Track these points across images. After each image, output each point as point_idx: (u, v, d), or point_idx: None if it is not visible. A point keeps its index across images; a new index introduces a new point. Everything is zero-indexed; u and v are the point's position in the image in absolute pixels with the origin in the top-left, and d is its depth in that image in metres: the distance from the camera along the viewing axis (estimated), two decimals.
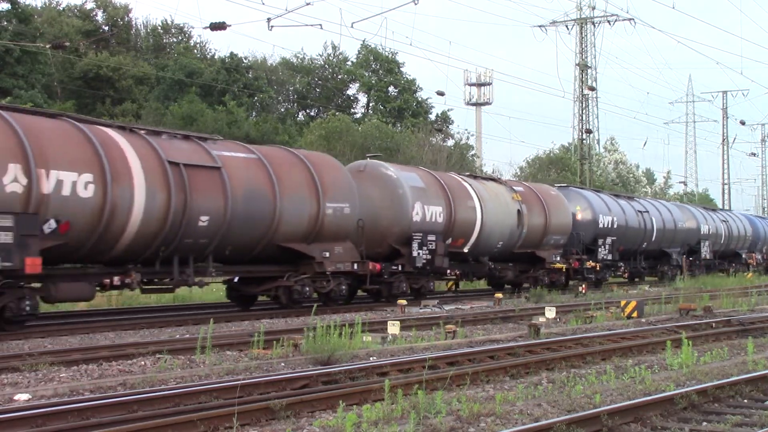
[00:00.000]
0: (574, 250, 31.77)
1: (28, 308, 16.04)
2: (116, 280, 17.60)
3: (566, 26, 53.70)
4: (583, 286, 30.63)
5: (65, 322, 19.12)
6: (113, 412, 8.92)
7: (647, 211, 37.52)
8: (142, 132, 18.77)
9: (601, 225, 33.25)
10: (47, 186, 15.77)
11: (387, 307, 23.24)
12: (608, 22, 52.92)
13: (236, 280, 21.64)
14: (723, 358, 13.56)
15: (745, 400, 10.09)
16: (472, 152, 66.82)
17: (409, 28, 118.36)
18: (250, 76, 59.99)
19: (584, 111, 52.91)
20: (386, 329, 16.51)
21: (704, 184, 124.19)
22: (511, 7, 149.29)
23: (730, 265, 46.35)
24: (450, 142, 62.86)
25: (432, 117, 68.08)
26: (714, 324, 18.22)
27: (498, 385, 11.08)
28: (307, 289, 21.46)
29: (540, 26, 54.28)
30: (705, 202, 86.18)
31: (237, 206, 19.21)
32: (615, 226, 34.18)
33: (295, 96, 66.96)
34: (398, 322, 16.68)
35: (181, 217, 18.00)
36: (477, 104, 78.66)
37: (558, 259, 30.66)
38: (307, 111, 67.28)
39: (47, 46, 40.67)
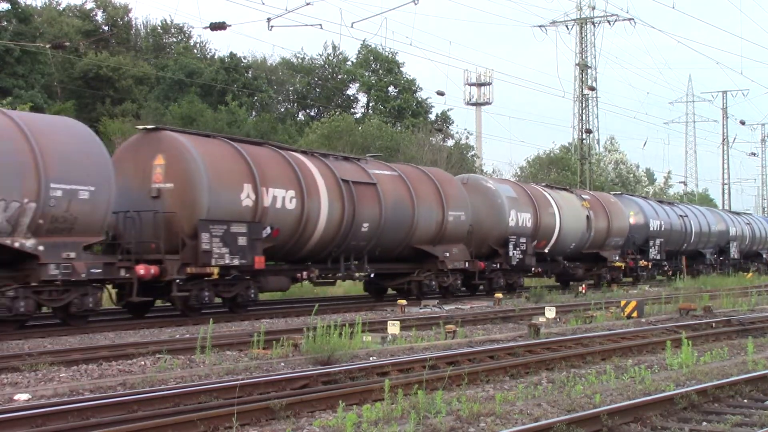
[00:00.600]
0: (629, 251, 35.94)
1: (252, 295, 20.35)
2: (304, 274, 21.83)
3: (566, 26, 53.68)
4: (583, 286, 30.75)
5: (65, 322, 19.12)
6: (113, 412, 8.92)
7: (687, 216, 41.95)
8: (317, 155, 23.04)
9: (651, 228, 37.56)
10: (267, 200, 20.04)
11: (387, 306, 23.30)
12: (608, 22, 52.90)
13: (372, 275, 24.72)
14: (723, 358, 13.56)
15: (745, 400, 10.09)
16: (472, 152, 66.81)
17: (409, 28, 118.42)
18: (249, 75, 59.99)
19: (584, 111, 52.90)
20: (386, 329, 16.52)
21: (704, 184, 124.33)
22: (511, 7, 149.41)
23: (752, 263, 50.42)
24: (450, 142, 62.87)
25: (432, 117, 68.06)
26: (714, 324, 18.22)
27: (498, 385, 11.09)
28: (434, 283, 25.65)
29: (540, 26, 54.26)
30: (705, 202, 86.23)
31: (388, 215, 23.58)
32: (662, 229, 38.54)
33: (295, 96, 66.95)
34: (398, 322, 16.69)
35: (350, 224, 22.33)
36: (477, 104, 78.66)
37: (617, 258, 34.96)
38: (307, 111, 67.27)
39: (47, 46, 40.66)
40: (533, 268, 29.92)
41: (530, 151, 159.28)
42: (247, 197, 19.64)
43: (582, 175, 53.59)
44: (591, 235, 33.17)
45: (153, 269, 17.91)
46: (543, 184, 34.75)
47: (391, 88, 66.88)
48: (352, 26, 52.46)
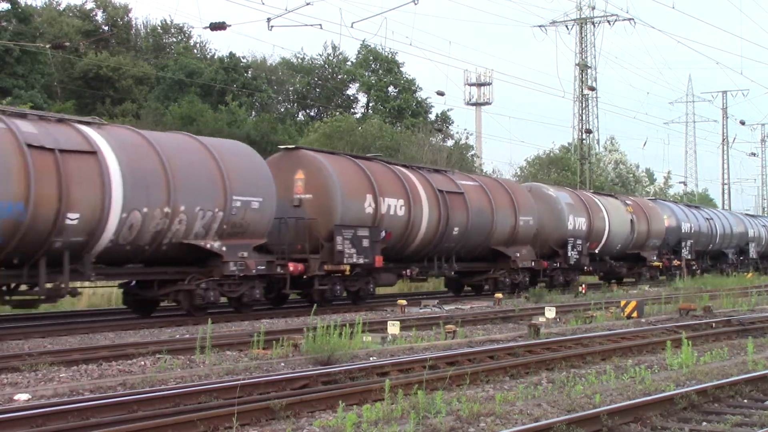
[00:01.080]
0: (665, 251, 39.46)
1: (371, 289, 24.14)
2: (407, 272, 25.43)
3: (566, 26, 53.67)
4: (583, 286, 30.83)
5: (65, 322, 19.14)
6: (113, 412, 8.92)
7: (712, 219, 45.67)
8: (414, 167, 26.91)
9: (683, 230, 41.31)
10: (383, 208, 23.58)
11: (387, 306, 23.32)
12: (608, 22, 52.89)
13: (454, 273, 27.83)
14: (723, 358, 13.56)
15: (745, 400, 10.10)
16: (472, 152, 66.82)
17: (409, 28, 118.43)
18: (248, 75, 59.97)
19: (584, 111, 52.90)
20: (386, 329, 16.52)
21: (704, 184, 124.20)
22: (511, 7, 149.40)
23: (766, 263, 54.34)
24: (450, 142, 62.88)
25: (432, 117, 68.05)
26: (714, 324, 18.22)
27: (498, 385, 11.09)
28: (507, 280, 29.16)
29: (540, 26, 54.26)
30: (705, 202, 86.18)
31: (473, 220, 27.16)
32: (692, 231, 42.37)
33: (295, 96, 66.94)
34: (398, 322, 16.69)
35: (444, 228, 25.95)
36: (477, 104, 78.61)
37: (655, 258, 38.58)
38: (307, 111, 67.26)
39: (47, 46, 40.64)
40: (586, 267, 33.23)
41: (530, 151, 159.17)
42: (369, 206, 23.32)
43: (582, 175, 53.59)
44: (634, 237, 36.81)
45: (300, 266, 21.55)
46: (591, 191, 39.74)
47: (391, 88, 66.87)
48: (352, 26, 52.36)
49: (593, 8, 53.50)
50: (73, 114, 40.04)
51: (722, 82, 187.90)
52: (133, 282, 20.07)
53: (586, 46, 53.04)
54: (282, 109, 65.91)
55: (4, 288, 17.27)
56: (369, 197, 23.40)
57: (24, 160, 15.83)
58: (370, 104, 67.39)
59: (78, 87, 50.82)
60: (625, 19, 52.02)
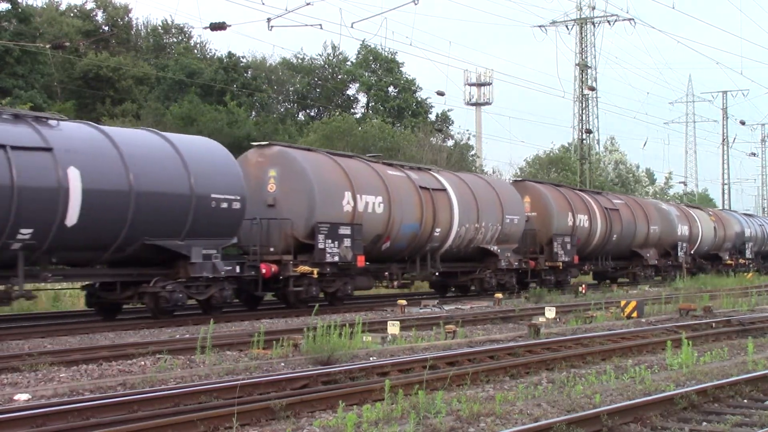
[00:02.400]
0: (732, 252, 48.82)
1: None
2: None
3: (566, 26, 53.67)
4: (583, 286, 30.82)
5: (65, 322, 19.13)
6: (113, 412, 8.92)
7: (764, 225, 55.93)
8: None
9: (746, 235, 50.57)
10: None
11: (387, 306, 23.31)
12: (608, 22, 52.89)
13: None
14: (723, 358, 13.56)
15: (745, 400, 10.09)
16: (472, 152, 66.81)
17: (409, 28, 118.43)
18: (248, 75, 59.95)
19: (584, 111, 52.90)
20: (386, 329, 16.51)
21: (704, 184, 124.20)
22: (511, 7, 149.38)
23: None
24: (450, 142, 62.87)
25: (432, 117, 68.04)
26: (714, 324, 18.22)
27: (498, 385, 11.08)
28: (642, 274, 37.82)
29: (540, 26, 54.26)
30: (705, 202, 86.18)
31: (616, 231, 35.96)
32: (752, 235, 51.98)
33: (295, 96, 66.91)
34: (398, 322, 16.69)
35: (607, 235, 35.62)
36: (477, 104, 78.55)
37: (728, 257, 47.94)
38: (307, 111, 67.25)
39: (47, 46, 40.61)
40: (686, 264, 41.87)
41: (530, 151, 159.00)
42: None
43: (582, 175, 53.58)
44: (716, 240, 46.75)
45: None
46: (683, 203, 52.05)
47: (390, 88, 66.86)
48: (352, 26, 52.27)
49: (593, 8, 53.54)
50: (74, 114, 40.04)
51: (722, 82, 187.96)
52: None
53: (586, 46, 53.04)
54: (282, 109, 65.89)
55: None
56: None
57: None
58: (370, 104, 67.38)
59: (78, 87, 50.80)
60: (625, 19, 52.07)
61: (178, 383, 10.91)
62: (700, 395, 9.73)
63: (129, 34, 61.23)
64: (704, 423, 8.92)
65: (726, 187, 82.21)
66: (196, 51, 62.31)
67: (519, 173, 67.13)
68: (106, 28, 58.60)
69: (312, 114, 66.65)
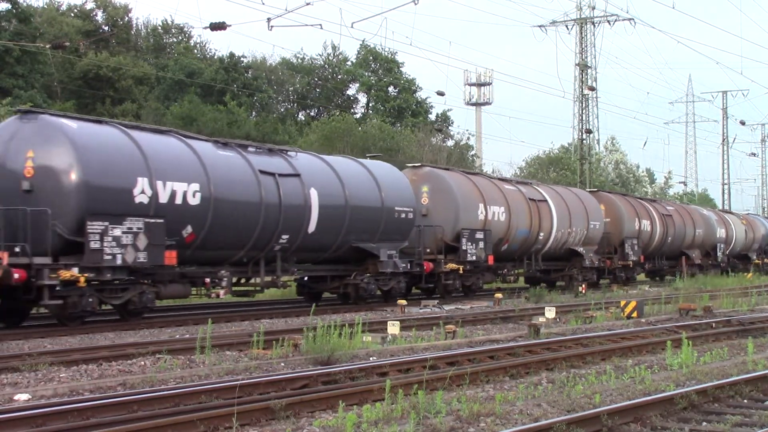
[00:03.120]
0: (759, 252, 54.60)
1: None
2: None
3: (566, 26, 53.64)
4: (583, 286, 30.88)
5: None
6: (113, 412, 8.92)
7: None
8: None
9: None
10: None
11: (387, 307, 23.31)
12: (608, 22, 52.88)
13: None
14: (723, 358, 13.56)
15: (745, 400, 10.09)
16: (472, 152, 66.84)
17: (409, 28, 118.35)
18: (248, 75, 59.97)
19: (584, 111, 52.89)
20: (386, 329, 16.50)
21: (704, 184, 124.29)
22: (511, 7, 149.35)
23: None
24: (450, 142, 62.90)
25: (432, 117, 68.07)
26: (714, 324, 18.21)
27: (498, 385, 11.08)
28: (688, 272, 39.02)
29: (540, 26, 54.22)
30: (705, 202, 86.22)
31: (671, 234, 41.11)
32: None
33: (295, 96, 66.93)
34: (398, 322, 16.68)
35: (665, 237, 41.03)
36: (477, 104, 78.60)
37: (755, 257, 53.77)
38: (307, 111, 67.26)
39: (47, 46, 40.63)
40: (723, 263, 47.39)
41: (530, 151, 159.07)
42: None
43: (582, 175, 53.60)
44: (746, 242, 51.79)
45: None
46: (716, 208, 60.05)
47: (390, 88, 66.87)
48: (352, 26, 52.48)
49: (593, 8, 53.52)
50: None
51: (722, 82, 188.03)
52: None
53: (586, 46, 53.02)
54: (282, 109, 65.91)
55: None
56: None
57: None
58: (370, 104, 67.39)
59: (78, 87, 50.81)
60: (625, 19, 52.04)
61: (178, 383, 10.91)
62: (700, 395, 9.73)
63: (129, 34, 61.25)
64: (704, 423, 8.92)
65: (726, 187, 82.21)
66: (196, 51, 62.34)
67: (519, 173, 67.17)
68: (106, 28, 58.62)
69: (312, 114, 66.66)
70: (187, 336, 16.10)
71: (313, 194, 21.76)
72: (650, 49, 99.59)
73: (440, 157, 52.74)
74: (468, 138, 67.43)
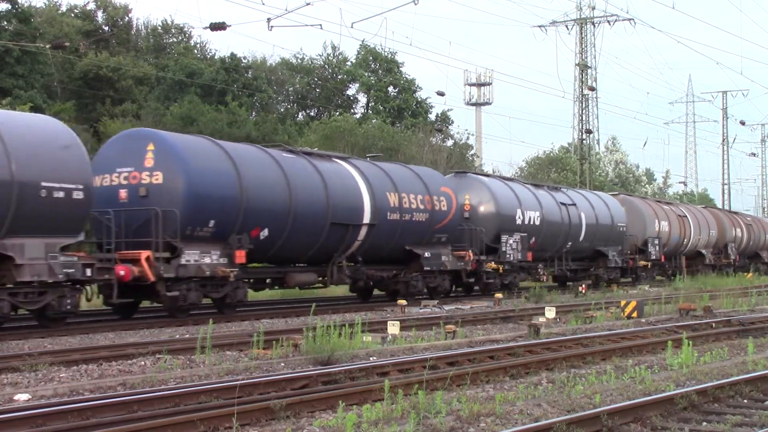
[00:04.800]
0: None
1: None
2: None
3: (566, 26, 53.68)
4: (583, 286, 30.88)
5: (65, 322, 19.11)
6: (113, 412, 8.92)
7: None
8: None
9: None
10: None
11: (387, 307, 23.29)
12: (608, 22, 52.91)
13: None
14: (723, 358, 13.56)
15: (745, 400, 10.09)
16: (472, 152, 66.83)
17: (409, 28, 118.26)
18: (249, 75, 59.92)
19: (584, 111, 52.90)
20: (386, 329, 16.50)
21: (704, 184, 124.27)
22: (511, 7, 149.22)
23: None
24: (450, 142, 62.88)
25: (432, 117, 68.04)
26: (714, 324, 18.21)
27: (498, 385, 11.08)
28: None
29: (540, 26, 54.28)
30: (705, 202, 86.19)
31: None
32: None
33: (295, 96, 66.90)
34: (398, 322, 16.68)
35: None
36: (477, 104, 78.53)
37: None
38: (307, 111, 67.24)
39: (47, 46, 40.59)
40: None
41: (530, 151, 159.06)
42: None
43: (582, 175, 53.59)
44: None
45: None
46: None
47: (390, 88, 66.85)
48: (352, 26, 52.34)
49: (593, 8, 53.56)
50: (74, 115, 39.97)
51: (722, 82, 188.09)
52: None
53: (586, 47, 53.04)
54: (282, 110, 65.89)
55: None
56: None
57: None
58: (370, 104, 67.38)
59: (78, 87, 50.78)
60: (625, 19, 52.07)
61: (178, 383, 10.91)
62: (700, 395, 9.73)
63: (129, 34, 61.21)
64: (704, 423, 8.92)
65: (726, 187, 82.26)
66: (196, 51, 62.31)
67: (519, 173, 67.16)
68: (106, 28, 58.58)
69: (312, 114, 66.64)
70: (187, 336, 16.10)
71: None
72: (650, 49, 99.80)
73: (440, 158, 52.73)
74: (468, 138, 67.44)
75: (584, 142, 53.95)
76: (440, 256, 26.10)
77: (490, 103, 79.28)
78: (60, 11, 57.63)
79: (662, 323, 18.98)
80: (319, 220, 21.80)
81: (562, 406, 9.47)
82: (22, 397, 10.07)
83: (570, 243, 33.59)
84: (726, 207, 77.64)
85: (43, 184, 16.24)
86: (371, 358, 13.15)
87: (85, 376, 11.63)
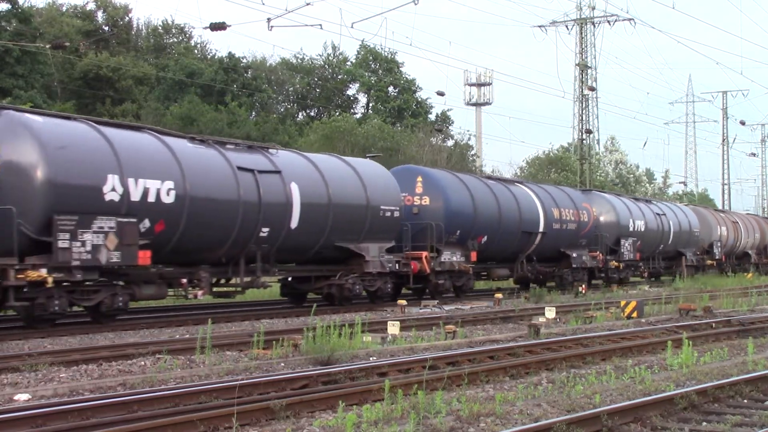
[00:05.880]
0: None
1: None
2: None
3: (566, 26, 53.66)
4: (583, 286, 30.91)
5: (65, 322, 19.12)
6: (113, 412, 8.92)
7: None
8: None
9: None
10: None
11: (387, 307, 23.30)
12: (608, 22, 52.90)
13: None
14: (723, 358, 13.55)
15: (745, 400, 10.09)
16: (472, 152, 66.85)
17: (409, 28, 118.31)
18: (248, 76, 59.95)
19: (584, 111, 52.90)
20: (386, 329, 16.50)
21: (704, 184, 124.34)
22: (511, 7, 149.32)
23: None
24: (450, 143, 62.91)
25: (432, 117, 68.07)
26: (714, 324, 18.21)
27: (498, 385, 11.08)
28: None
29: (540, 26, 54.24)
30: (705, 202, 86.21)
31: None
32: None
33: (295, 96, 66.92)
34: (398, 323, 16.67)
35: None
36: (477, 104, 78.53)
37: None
38: (307, 111, 67.26)
39: (47, 46, 40.62)
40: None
41: (530, 151, 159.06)
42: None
43: (582, 175, 53.60)
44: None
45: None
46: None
47: (390, 89, 66.86)
48: (352, 26, 52.32)
49: (593, 8, 53.55)
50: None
51: (722, 82, 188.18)
52: None
53: (586, 47, 53.03)
54: (282, 109, 65.91)
55: None
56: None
57: None
58: (370, 104, 67.39)
59: (78, 87, 50.82)
60: (625, 19, 52.05)
61: (177, 383, 10.91)
62: (700, 395, 9.72)
63: (129, 34, 61.27)
64: (704, 423, 8.91)
65: (726, 187, 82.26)
66: (196, 51, 62.34)
67: (519, 173, 67.20)
68: (106, 28, 58.62)
69: (312, 114, 66.66)
70: (187, 336, 16.10)
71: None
72: (650, 49, 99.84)
73: (440, 158, 52.74)
74: (468, 138, 67.48)
75: (584, 142, 53.96)
76: (582, 256, 32.91)
77: (490, 103, 79.34)
78: (60, 11, 57.65)
79: (662, 323, 18.98)
80: (514, 230, 29.26)
81: (562, 406, 9.47)
82: (22, 397, 10.07)
83: (662, 245, 40.28)
84: (726, 207, 77.77)
85: (382, 207, 23.68)
86: (371, 358, 13.15)
87: (85, 376, 11.62)
